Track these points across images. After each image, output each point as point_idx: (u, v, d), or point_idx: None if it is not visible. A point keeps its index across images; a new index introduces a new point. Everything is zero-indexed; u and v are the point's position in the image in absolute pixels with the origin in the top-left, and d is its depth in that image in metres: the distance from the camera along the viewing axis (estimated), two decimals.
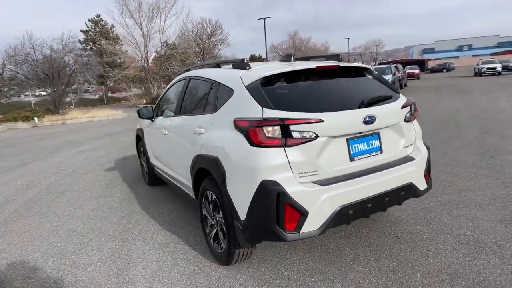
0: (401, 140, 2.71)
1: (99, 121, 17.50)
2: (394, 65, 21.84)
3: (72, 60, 21.49)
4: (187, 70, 4.01)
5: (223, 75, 2.90)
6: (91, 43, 37.47)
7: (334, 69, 2.71)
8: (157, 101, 4.54)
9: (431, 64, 56.88)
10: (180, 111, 3.62)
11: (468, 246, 2.82)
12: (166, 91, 4.37)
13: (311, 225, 2.23)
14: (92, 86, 37.53)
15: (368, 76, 2.91)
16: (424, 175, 2.77)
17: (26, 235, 3.79)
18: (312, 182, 2.28)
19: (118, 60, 31.31)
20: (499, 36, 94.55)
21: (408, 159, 2.70)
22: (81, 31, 37.41)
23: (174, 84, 4.19)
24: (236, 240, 2.52)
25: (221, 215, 2.64)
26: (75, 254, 3.25)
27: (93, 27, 38.24)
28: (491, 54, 71.75)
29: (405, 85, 23.36)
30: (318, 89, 2.59)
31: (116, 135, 11.33)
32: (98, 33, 37.70)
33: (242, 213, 2.37)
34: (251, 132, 2.27)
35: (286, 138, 2.22)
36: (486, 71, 29.14)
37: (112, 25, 35.64)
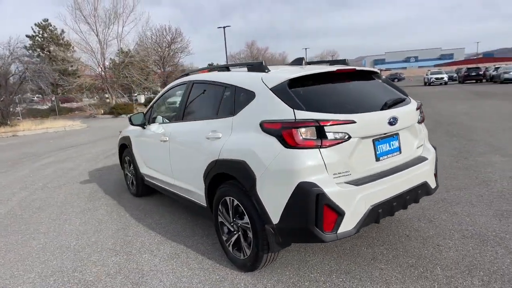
0: (415, 141, 2.86)
1: (55, 132, 16.40)
2: None
3: (22, 67, 20.01)
4: (186, 75, 3.92)
5: (240, 78, 2.88)
6: (38, 50, 35.05)
7: (351, 72, 2.81)
8: (148, 108, 4.38)
9: (383, 74, 60.43)
10: (183, 116, 3.52)
11: (474, 240, 3.01)
12: (160, 97, 4.24)
13: (347, 225, 2.26)
14: (38, 96, 35.05)
15: (377, 79, 3.05)
16: (434, 174, 2.94)
17: (12, 254, 3.44)
18: (345, 182, 2.32)
19: (71, 68, 29.65)
20: (441, 49, 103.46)
21: (422, 159, 2.85)
22: (27, 36, 34.88)
23: (170, 89, 4.08)
24: (265, 244, 2.49)
25: (246, 220, 2.60)
26: (77, 271, 3.00)
27: (41, 32, 35.81)
28: (435, 65, 78.09)
29: None
30: (342, 91, 2.67)
31: (81, 147, 10.69)
32: (47, 39, 35.38)
33: (275, 217, 2.35)
34: (286, 133, 2.28)
35: (321, 139, 2.26)
36: (435, 81, 31.76)
37: (62, 30, 33.65)
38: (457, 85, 30.07)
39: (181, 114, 3.55)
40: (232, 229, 2.83)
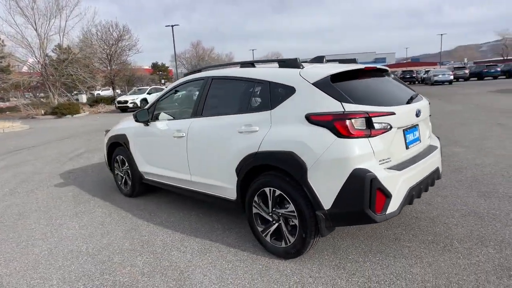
0: (427, 132, 3.20)
1: None
2: None
3: None
4: (198, 71, 3.89)
5: (274, 73, 2.98)
6: None
7: (373, 70, 3.07)
8: (151, 105, 4.24)
9: None
10: (202, 112, 3.50)
11: (472, 217, 3.45)
12: (166, 94, 4.13)
13: (392, 206, 2.50)
14: None
15: (388, 76, 3.34)
16: (441, 161, 3.31)
17: (16, 263, 3.15)
18: (387, 168, 2.55)
19: (1, 63, 26.72)
20: (375, 53, 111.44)
21: (433, 147, 3.20)
22: None
23: (179, 86, 4.01)
24: (313, 230, 2.63)
25: (290, 209, 2.71)
26: (106, 274, 2.86)
27: None
28: None
29: None
30: (371, 86, 2.90)
31: (33, 149, 9.80)
32: None
33: (327, 203, 2.50)
34: (338, 124, 2.44)
35: (370, 129, 2.46)
36: None
37: None
38: None
39: (200, 109, 3.52)
40: (270, 219, 2.92)
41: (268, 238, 2.96)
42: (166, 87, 26.66)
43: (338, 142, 2.44)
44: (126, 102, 22.27)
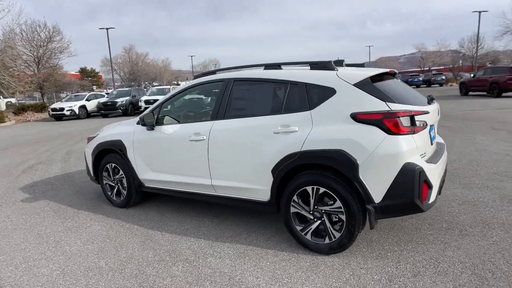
0: (435, 130, 3.56)
1: None
2: None
3: None
4: (212, 73, 3.82)
5: (310, 75, 3.07)
6: None
7: (393, 73, 3.35)
8: (153, 108, 4.02)
9: None
10: (224, 114, 3.44)
11: (467, 205, 3.90)
12: (175, 97, 3.96)
13: (432, 197, 2.75)
14: None
15: (397, 79, 3.65)
16: None
17: (35, 281, 2.76)
18: (425, 161, 2.80)
19: None
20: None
21: (442, 144, 3.57)
22: None
23: (190, 88, 3.88)
24: (360, 224, 2.77)
25: (337, 205, 2.81)
26: (147, 287, 2.66)
27: None
28: None
29: None
30: (397, 87, 3.14)
31: None
32: None
33: (378, 196, 2.66)
34: (388, 122, 2.62)
35: (414, 126, 2.69)
36: None
37: None
38: None
39: (222, 112, 3.46)
40: (311, 217, 2.99)
41: (308, 236, 3.02)
42: (107, 93, 24.79)
43: (388, 139, 2.62)
44: (62, 109, 20.24)
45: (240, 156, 3.30)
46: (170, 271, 2.88)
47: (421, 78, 37.48)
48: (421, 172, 2.61)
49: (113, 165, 4.44)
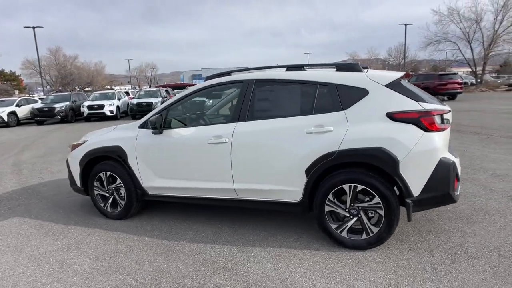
0: None
1: None
2: (164, 89, 24.05)
3: None
4: (226, 74, 3.72)
5: (340, 76, 3.14)
6: None
7: (408, 76, 3.59)
8: (162, 110, 3.78)
9: None
10: (247, 115, 3.37)
11: (462, 196, 4.28)
12: (183, 99, 3.77)
13: (459, 188, 2.99)
14: None
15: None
16: None
17: None
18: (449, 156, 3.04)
19: None
20: (248, 67, 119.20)
21: None
22: None
23: (202, 90, 3.72)
24: (398, 218, 2.91)
25: (375, 201, 2.91)
26: None
27: None
28: None
29: None
30: (417, 89, 3.36)
31: None
32: None
33: (417, 190, 2.83)
34: (425, 121, 2.81)
35: (443, 124, 2.91)
36: None
37: None
38: None
39: (244, 113, 3.38)
40: (348, 215, 3.05)
41: (344, 234, 3.08)
42: (40, 98, 22.21)
43: (426, 136, 2.80)
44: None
45: (268, 157, 3.25)
46: (213, 281, 2.73)
47: None
48: (454, 165, 2.84)
49: (108, 173, 4.06)
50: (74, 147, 4.39)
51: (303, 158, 3.09)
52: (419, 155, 2.80)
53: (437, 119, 2.87)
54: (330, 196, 3.07)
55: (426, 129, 2.82)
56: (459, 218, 3.64)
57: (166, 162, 3.72)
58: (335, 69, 3.30)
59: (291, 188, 3.20)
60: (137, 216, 4.19)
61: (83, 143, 4.28)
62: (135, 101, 19.05)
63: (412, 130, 2.83)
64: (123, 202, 4.05)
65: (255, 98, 3.42)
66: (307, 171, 3.09)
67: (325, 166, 3.02)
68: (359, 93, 3.03)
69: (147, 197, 3.95)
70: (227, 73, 3.75)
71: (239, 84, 3.52)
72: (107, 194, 4.14)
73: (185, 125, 3.80)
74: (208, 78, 3.80)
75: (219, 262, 3.02)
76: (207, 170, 3.53)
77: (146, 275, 2.87)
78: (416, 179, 2.83)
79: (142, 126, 3.90)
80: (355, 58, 53.91)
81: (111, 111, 18.74)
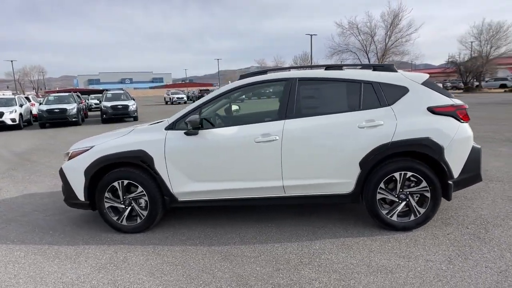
0: None
1: None
2: (76, 93, 22.80)
3: None
4: (264, 72, 3.70)
5: (382, 76, 3.45)
6: None
7: None
8: (195, 110, 3.56)
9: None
10: (295, 112, 3.43)
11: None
12: (217, 98, 3.62)
13: None
14: None
15: None
16: None
17: None
18: None
19: None
20: (153, 73, 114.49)
21: None
22: None
23: (239, 89, 3.64)
24: (440, 198, 3.34)
25: (422, 185, 3.29)
26: None
27: None
28: (151, 88, 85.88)
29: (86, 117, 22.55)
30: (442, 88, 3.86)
31: None
32: None
33: (456, 172, 3.30)
34: (460, 113, 3.31)
35: (468, 116, 3.46)
36: (177, 100, 36.09)
37: None
38: None
39: (291, 110, 3.43)
40: (397, 200, 3.36)
41: (394, 218, 3.38)
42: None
43: (462, 126, 3.30)
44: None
45: (321, 152, 3.37)
46: (303, 275, 2.72)
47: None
48: (480, 150, 3.40)
49: (126, 181, 3.62)
50: (73, 155, 3.78)
51: (356, 151, 3.30)
52: (459, 143, 3.28)
53: (466, 112, 3.40)
54: (382, 185, 3.34)
55: (461, 120, 3.32)
56: (464, 209, 4.29)
57: (206, 164, 3.51)
58: (372, 69, 3.60)
59: (343, 180, 3.38)
60: (164, 229, 3.81)
61: (87, 150, 3.72)
62: (44, 107, 16.57)
63: (451, 121, 3.30)
64: (144, 213, 3.66)
65: (300, 96, 3.50)
66: (361, 163, 3.30)
67: (379, 157, 3.28)
68: (401, 91, 3.38)
69: (175, 204, 3.65)
70: (264, 71, 3.74)
71: (283, 82, 3.56)
72: (123, 206, 3.68)
73: (215, 126, 3.67)
74: (243, 76, 3.73)
75: (292, 259, 3.00)
76: (253, 169, 3.46)
77: (228, 282, 2.70)
78: (456, 163, 3.30)
79: (170, 127, 3.61)
80: (262, 65, 56.47)
81: (13, 120, 16.05)
